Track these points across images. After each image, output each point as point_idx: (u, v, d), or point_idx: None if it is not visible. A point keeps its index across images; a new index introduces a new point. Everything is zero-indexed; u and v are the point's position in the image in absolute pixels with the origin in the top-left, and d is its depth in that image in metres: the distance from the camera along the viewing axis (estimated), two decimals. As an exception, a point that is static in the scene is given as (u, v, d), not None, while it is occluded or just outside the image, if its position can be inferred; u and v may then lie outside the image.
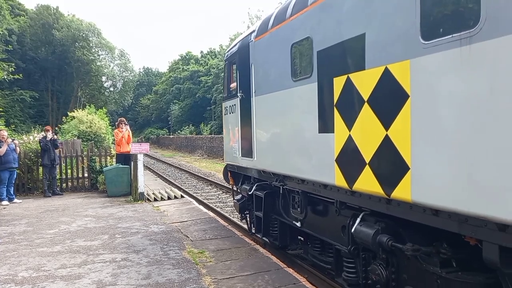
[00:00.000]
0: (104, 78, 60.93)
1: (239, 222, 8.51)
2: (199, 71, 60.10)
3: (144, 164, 11.29)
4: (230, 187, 8.82)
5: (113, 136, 13.81)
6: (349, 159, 3.85)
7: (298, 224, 5.39)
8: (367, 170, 3.60)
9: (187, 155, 39.53)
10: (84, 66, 53.78)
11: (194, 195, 13.45)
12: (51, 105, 53.32)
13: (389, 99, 3.31)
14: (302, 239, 5.98)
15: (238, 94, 6.70)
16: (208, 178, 18.04)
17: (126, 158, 11.86)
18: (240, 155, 6.86)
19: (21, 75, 28.99)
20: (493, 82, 2.45)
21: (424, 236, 3.38)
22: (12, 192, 11.15)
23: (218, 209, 10.60)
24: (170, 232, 7.24)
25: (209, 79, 53.89)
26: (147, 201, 10.72)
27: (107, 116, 20.48)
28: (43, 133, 12.61)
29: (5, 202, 10.66)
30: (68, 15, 56.26)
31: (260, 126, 6.02)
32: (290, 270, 5.27)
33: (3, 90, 40.57)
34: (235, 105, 7.00)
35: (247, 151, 6.47)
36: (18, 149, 11.49)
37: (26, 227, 7.97)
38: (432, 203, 2.95)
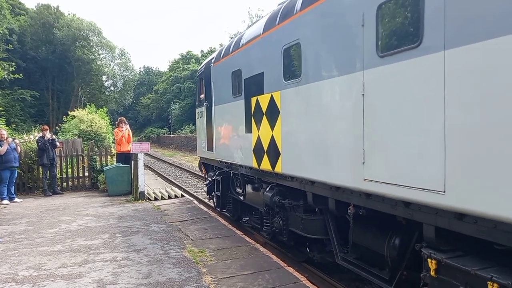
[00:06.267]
0: (104, 77, 62.83)
1: (239, 222, 9.06)
2: (200, 70, 62.31)
3: (144, 163, 11.63)
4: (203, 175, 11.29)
5: (114, 135, 14.24)
6: (258, 150, 6.43)
7: (242, 198, 7.95)
8: (265, 156, 6.17)
9: (187, 154, 40.53)
10: (84, 66, 55.71)
11: (195, 194, 13.81)
12: (52, 104, 55.36)
13: (273, 113, 5.87)
14: (252, 212, 8.50)
15: (205, 103, 9.31)
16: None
17: (126, 157, 12.28)
18: (206, 149, 9.48)
19: (21, 74, 30.17)
20: (307, 107, 5.00)
21: (298, 195, 5.87)
22: (12, 191, 11.42)
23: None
24: (170, 231, 7.51)
25: (209, 78, 56.03)
26: (147, 200, 11.04)
27: (107, 116, 21.01)
28: (41, 132, 13.04)
29: (5, 201, 10.93)
30: (69, 14, 58.33)
31: (217, 127, 8.62)
32: (291, 269, 5.49)
33: (4, 90, 41.12)
34: (203, 111, 9.64)
35: (210, 146, 9.09)
36: (19, 148, 11.81)
37: (27, 226, 8.18)
38: (290, 173, 5.51)
